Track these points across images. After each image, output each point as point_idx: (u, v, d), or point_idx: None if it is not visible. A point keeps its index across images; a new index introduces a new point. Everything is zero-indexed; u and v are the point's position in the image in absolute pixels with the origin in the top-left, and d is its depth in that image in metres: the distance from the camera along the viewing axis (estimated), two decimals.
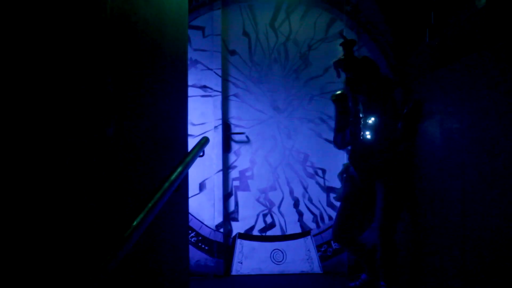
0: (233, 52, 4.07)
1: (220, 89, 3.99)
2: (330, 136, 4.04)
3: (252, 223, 4.03)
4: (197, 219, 3.96)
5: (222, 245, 3.96)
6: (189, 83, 3.85)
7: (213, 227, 3.95)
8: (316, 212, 4.03)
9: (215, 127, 3.97)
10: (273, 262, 3.97)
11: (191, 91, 3.90)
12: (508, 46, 1.97)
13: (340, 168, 3.61)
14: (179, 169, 2.03)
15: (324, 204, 4.03)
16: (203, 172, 3.95)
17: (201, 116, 4.00)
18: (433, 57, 3.06)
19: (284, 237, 4.01)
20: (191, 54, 3.95)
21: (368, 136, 3.12)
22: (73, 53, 1.30)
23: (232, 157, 4.05)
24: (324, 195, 4.04)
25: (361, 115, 3.13)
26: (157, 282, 2.02)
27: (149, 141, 1.92)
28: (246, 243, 4.01)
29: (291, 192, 4.04)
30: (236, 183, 4.05)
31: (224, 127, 4.01)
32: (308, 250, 4.00)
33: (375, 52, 4.01)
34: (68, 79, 1.27)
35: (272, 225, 4.04)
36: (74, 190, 1.29)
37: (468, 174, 2.32)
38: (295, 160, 4.04)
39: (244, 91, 4.06)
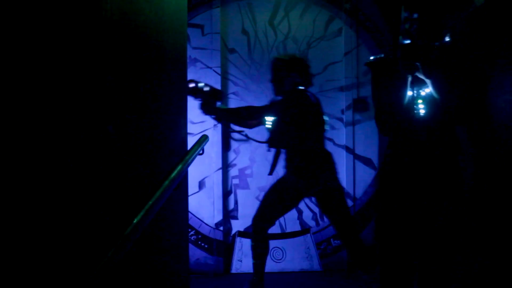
0: (232, 50, 4.07)
1: (219, 88, 3.98)
2: (329, 134, 4.05)
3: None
4: (196, 217, 3.96)
5: (222, 243, 3.96)
6: None
7: (212, 225, 3.96)
8: (316, 210, 4.03)
9: (215, 125, 3.97)
10: (272, 260, 3.98)
11: None
12: None
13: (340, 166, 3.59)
14: (179, 167, 2.03)
15: None
16: (202, 170, 3.95)
17: (201, 114, 3.99)
18: None
19: (283, 235, 4.01)
20: (190, 53, 3.94)
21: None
22: (74, 51, 1.30)
23: (231, 155, 4.05)
24: None
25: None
26: (157, 280, 2.02)
27: (149, 139, 1.92)
28: (246, 241, 4.01)
29: None
30: (235, 181, 4.05)
31: (223, 125, 4.00)
32: (308, 248, 4.00)
33: (374, 50, 4.01)
34: (69, 77, 1.27)
35: None
36: (75, 187, 1.29)
37: None
38: None
39: (243, 89, 4.06)
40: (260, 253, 3.12)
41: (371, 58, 2.35)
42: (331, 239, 4.00)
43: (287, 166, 3.12)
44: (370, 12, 4.03)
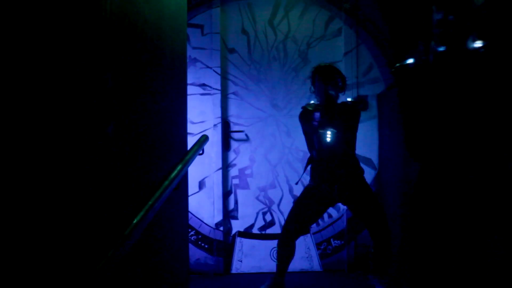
0: (232, 50, 4.07)
1: (219, 87, 3.98)
2: None
3: (252, 221, 4.03)
4: (196, 217, 3.96)
5: (222, 244, 3.96)
6: (188, 81, 3.85)
7: (212, 225, 3.96)
8: None
9: (215, 125, 3.97)
10: (272, 260, 3.98)
11: (190, 89, 3.90)
12: None
13: None
14: (178, 167, 2.03)
15: None
16: (202, 170, 3.95)
17: (201, 114, 4.00)
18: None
19: None
20: (190, 53, 3.94)
21: None
22: (73, 51, 1.30)
23: (231, 155, 4.05)
24: None
25: None
26: (157, 281, 2.02)
27: (149, 139, 1.92)
28: (246, 241, 4.01)
29: (291, 190, 4.04)
30: (235, 181, 4.05)
31: (223, 125, 4.01)
32: (308, 248, 4.00)
33: (374, 49, 4.01)
34: (68, 77, 1.27)
35: (271, 223, 4.04)
36: (74, 188, 1.29)
37: None
38: (295, 158, 4.04)
39: (243, 89, 4.06)
40: (286, 258, 3.16)
41: (397, 65, 1.78)
42: (331, 239, 4.00)
43: (320, 174, 3.14)
44: (370, 11, 4.03)
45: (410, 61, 1.89)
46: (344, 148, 3.11)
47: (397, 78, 1.84)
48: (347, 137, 3.12)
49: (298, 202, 3.19)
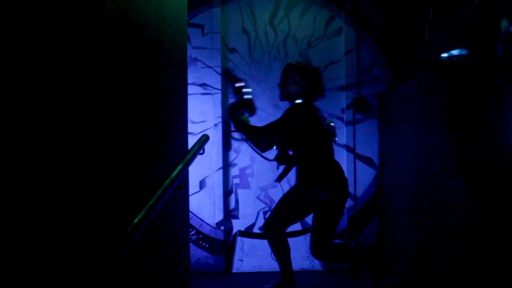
0: (232, 50, 4.08)
1: (219, 87, 3.99)
2: None
3: (253, 221, 4.03)
4: (197, 217, 3.96)
5: (223, 243, 3.96)
6: (189, 81, 3.85)
7: (213, 225, 3.96)
8: None
9: (215, 125, 3.97)
10: (273, 259, 3.96)
11: (190, 89, 3.90)
12: None
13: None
14: (179, 167, 2.04)
15: None
16: (203, 170, 3.95)
17: (201, 114, 4.00)
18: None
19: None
20: (190, 52, 3.94)
21: None
22: (73, 51, 1.30)
23: (232, 155, 4.06)
24: None
25: None
26: (158, 280, 2.02)
27: (149, 139, 1.92)
28: (247, 240, 4.01)
29: None
30: (236, 180, 4.05)
31: (224, 124, 4.01)
32: (309, 247, 4.00)
33: (374, 49, 4.01)
34: (68, 77, 1.28)
35: None
36: (76, 188, 1.29)
37: None
38: None
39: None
40: (281, 255, 3.12)
41: (444, 55, 1.40)
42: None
43: (299, 176, 3.08)
44: (370, 11, 4.03)
45: (462, 52, 1.52)
46: (297, 156, 2.98)
47: (443, 75, 1.46)
48: (296, 146, 2.95)
49: (283, 199, 3.15)
